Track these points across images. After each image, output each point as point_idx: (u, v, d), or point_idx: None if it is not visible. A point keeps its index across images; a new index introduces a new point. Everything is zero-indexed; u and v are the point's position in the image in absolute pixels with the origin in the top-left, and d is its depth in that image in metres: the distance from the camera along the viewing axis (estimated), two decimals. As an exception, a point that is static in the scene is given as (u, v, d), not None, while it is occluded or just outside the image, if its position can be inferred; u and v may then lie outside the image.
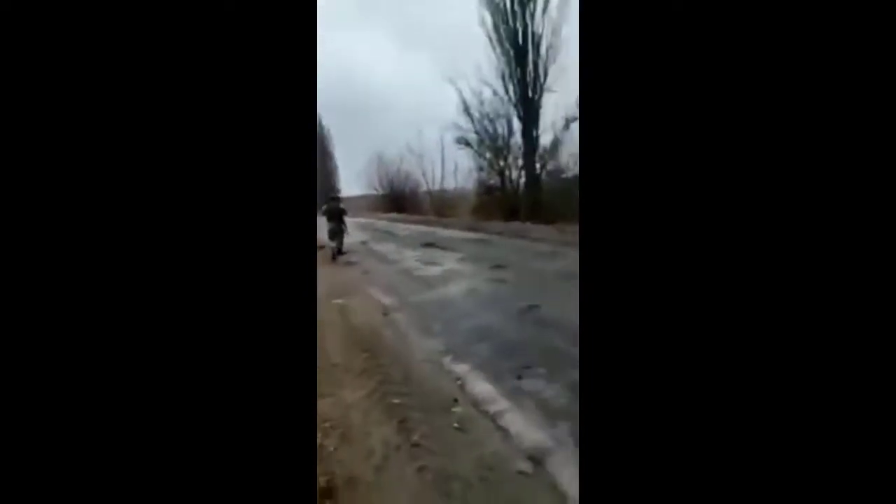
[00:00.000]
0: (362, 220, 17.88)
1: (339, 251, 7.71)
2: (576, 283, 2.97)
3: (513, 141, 14.68)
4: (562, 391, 2.34)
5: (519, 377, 2.54)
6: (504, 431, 2.02)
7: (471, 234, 10.24)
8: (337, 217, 7.84)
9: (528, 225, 12.12)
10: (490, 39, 13.99)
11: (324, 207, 7.99)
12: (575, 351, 2.88)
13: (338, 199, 8.79)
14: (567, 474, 1.69)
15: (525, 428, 2.03)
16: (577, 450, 1.85)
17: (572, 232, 9.62)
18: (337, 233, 7.76)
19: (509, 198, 14.92)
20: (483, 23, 14.01)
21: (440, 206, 18.33)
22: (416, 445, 1.94)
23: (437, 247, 8.23)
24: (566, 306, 3.85)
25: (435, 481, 1.70)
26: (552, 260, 6.21)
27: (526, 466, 1.76)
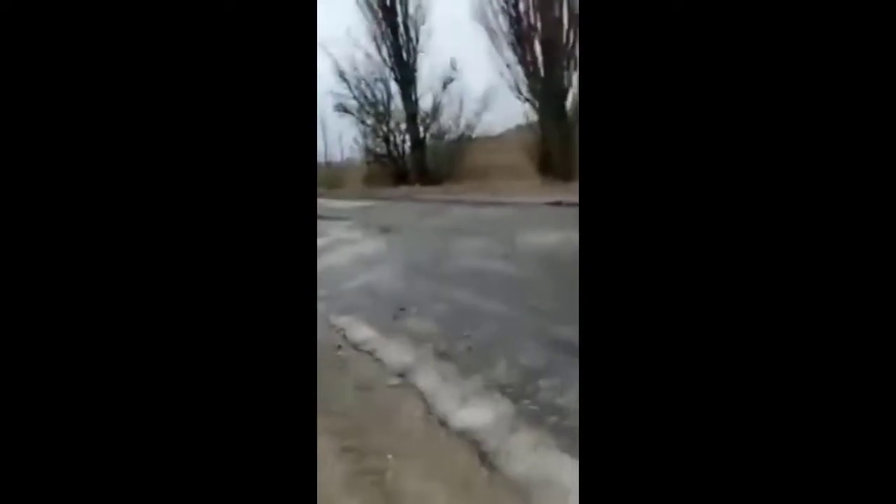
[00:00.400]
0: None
1: None
2: (450, 234, 3.50)
3: (393, 105, 14.74)
4: (429, 322, 2.77)
5: (394, 318, 2.91)
6: (379, 361, 2.39)
7: (360, 203, 10.35)
8: None
9: (417, 188, 12.51)
10: (358, 2, 13.62)
11: None
12: (442, 288, 3.34)
13: None
14: (423, 380, 2.11)
15: (396, 355, 2.41)
16: (436, 362, 2.29)
17: (456, 191, 10.21)
18: None
19: (397, 163, 15.11)
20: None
21: (329, 179, 17.91)
22: (303, 387, 2.23)
23: (326, 218, 8.24)
24: (440, 256, 4.31)
25: (319, 406, 2.01)
26: (433, 217, 6.67)
27: (395, 381, 2.15)
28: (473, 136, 14.37)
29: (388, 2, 13.56)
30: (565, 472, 1.40)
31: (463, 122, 14.22)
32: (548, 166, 9.97)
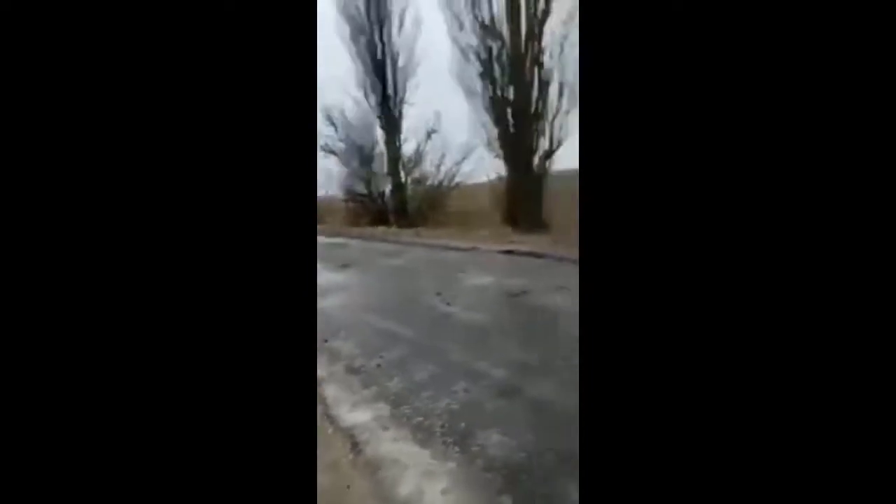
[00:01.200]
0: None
1: None
2: (402, 273, 4.00)
3: (377, 150, 15.53)
4: (352, 345, 3.16)
5: (325, 341, 3.29)
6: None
7: (332, 240, 10.78)
8: None
9: (393, 229, 13.02)
10: (350, 52, 14.67)
11: None
12: (375, 318, 3.74)
13: None
14: (330, 389, 2.49)
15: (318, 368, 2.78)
16: (345, 376, 2.66)
17: (425, 235, 10.72)
18: None
19: (376, 204, 15.72)
20: (341, 34, 14.63)
21: (310, 214, 18.37)
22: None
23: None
24: (384, 291, 4.74)
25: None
26: (394, 257, 7.12)
27: (307, 390, 2.52)
28: (451, 184, 15.14)
29: (378, 55, 14.64)
30: (410, 456, 1.80)
31: (443, 171, 15.01)
32: (514, 218, 10.62)
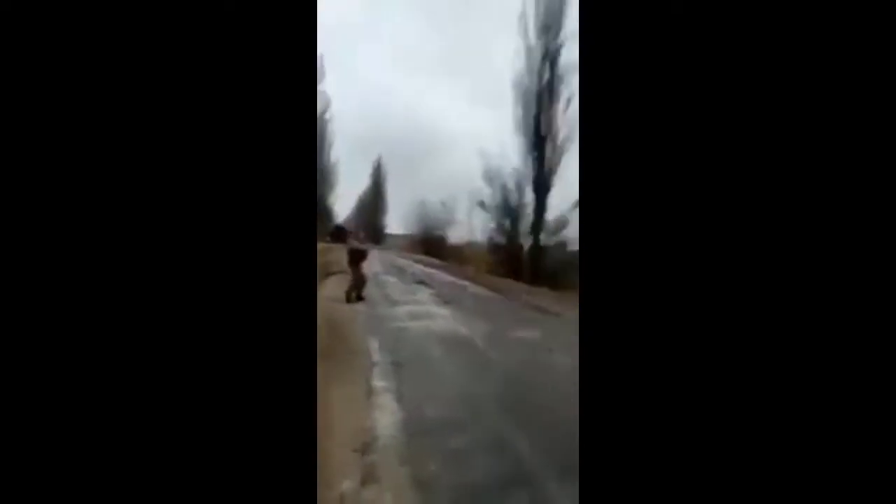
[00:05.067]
0: (399, 259, 20.60)
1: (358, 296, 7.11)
2: (491, 318, 5.85)
3: (525, 213, 17.04)
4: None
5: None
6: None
7: (461, 281, 12.39)
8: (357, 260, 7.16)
9: (520, 284, 14.13)
10: (517, 125, 16.76)
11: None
12: (440, 347, 4.60)
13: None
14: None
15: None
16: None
17: (540, 294, 11.50)
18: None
19: (512, 260, 17.11)
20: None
21: (458, 256, 20.84)
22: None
23: (425, 284, 10.48)
24: (459, 328, 5.81)
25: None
26: (495, 303, 8.15)
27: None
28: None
29: (542, 131, 16.35)
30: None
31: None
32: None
